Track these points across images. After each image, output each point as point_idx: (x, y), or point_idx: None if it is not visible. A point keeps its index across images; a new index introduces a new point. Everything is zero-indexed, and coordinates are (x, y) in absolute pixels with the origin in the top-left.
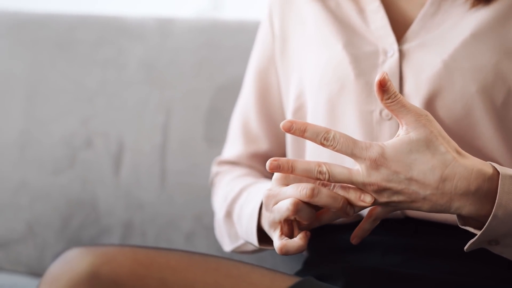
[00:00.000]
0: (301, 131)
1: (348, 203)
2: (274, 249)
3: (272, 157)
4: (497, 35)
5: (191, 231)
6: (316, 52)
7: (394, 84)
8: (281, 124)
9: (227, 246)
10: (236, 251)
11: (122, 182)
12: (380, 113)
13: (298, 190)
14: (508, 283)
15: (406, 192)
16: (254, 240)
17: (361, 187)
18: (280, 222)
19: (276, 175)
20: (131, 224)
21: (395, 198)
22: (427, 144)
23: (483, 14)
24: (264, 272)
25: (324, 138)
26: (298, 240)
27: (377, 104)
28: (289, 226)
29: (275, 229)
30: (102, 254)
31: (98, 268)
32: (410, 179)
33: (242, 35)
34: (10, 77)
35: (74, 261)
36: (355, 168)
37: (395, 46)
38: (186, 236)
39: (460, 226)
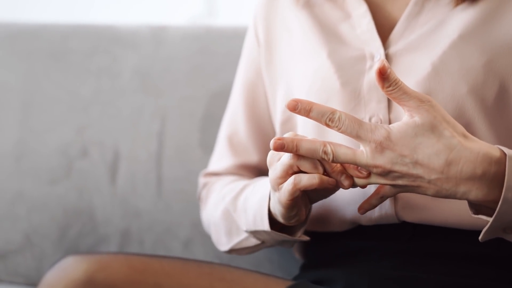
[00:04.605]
0: (306, 111)
1: (346, 175)
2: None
3: (261, 168)
4: (484, 35)
5: (189, 238)
6: (303, 61)
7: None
8: (286, 104)
9: (224, 245)
10: (235, 249)
11: (118, 190)
12: (370, 120)
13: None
14: (509, 284)
15: (411, 176)
16: (264, 223)
17: (366, 169)
18: (283, 176)
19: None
20: (129, 232)
21: (399, 181)
22: (432, 129)
23: (469, 14)
24: (258, 277)
25: (329, 119)
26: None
27: (366, 111)
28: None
29: (279, 189)
30: (97, 261)
31: (93, 274)
32: (415, 163)
33: (235, 42)
34: (5, 88)
35: (69, 269)
36: (360, 150)
37: (381, 50)
38: (183, 243)
39: (472, 215)
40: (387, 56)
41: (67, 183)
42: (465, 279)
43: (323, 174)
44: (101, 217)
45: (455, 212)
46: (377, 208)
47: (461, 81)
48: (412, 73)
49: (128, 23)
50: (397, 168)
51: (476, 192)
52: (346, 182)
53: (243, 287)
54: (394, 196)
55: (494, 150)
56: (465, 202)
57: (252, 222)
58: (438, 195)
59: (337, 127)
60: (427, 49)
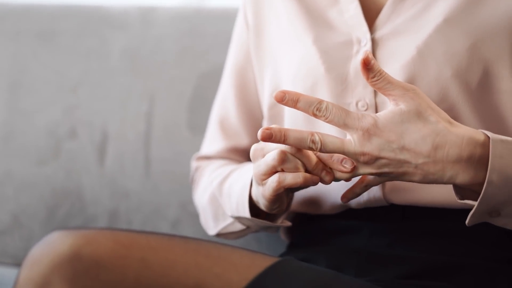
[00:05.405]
0: (293, 101)
1: (326, 171)
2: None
3: None
4: (469, 18)
5: (177, 219)
6: (290, 47)
7: None
8: (274, 95)
9: (212, 229)
10: (222, 233)
11: (106, 171)
12: (356, 104)
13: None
14: (501, 263)
15: (398, 162)
16: (245, 211)
17: (353, 158)
18: (267, 174)
19: None
20: (117, 213)
21: (386, 169)
22: (418, 115)
23: None
24: (244, 253)
25: (316, 109)
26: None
27: (353, 96)
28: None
29: (263, 184)
30: (83, 236)
31: (79, 249)
32: (402, 148)
33: (224, 22)
34: None
35: (55, 243)
36: (347, 139)
37: (368, 35)
38: (171, 224)
39: (458, 200)
40: (373, 41)
41: (55, 163)
42: (456, 258)
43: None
44: (89, 198)
45: (443, 192)
46: (365, 192)
47: (445, 65)
48: (397, 57)
49: (117, 3)
50: (384, 154)
51: (462, 176)
52: (327, 178)
53: (229, 263)
54: None
55: (478, 134)
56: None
57: (235, 209)
58: (425, 180)
59: (324, 116)
60: (413, 32)
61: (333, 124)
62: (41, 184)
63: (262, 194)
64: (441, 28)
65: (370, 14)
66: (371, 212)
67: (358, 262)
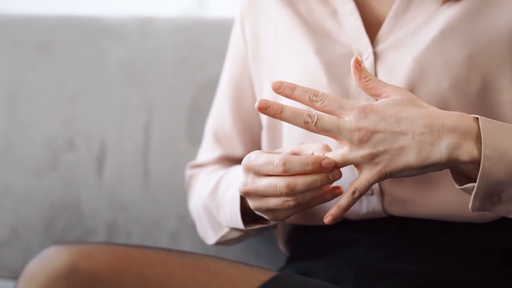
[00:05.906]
0: (290, 89)
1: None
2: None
3: None
4: (467, 30)
5: (176, 231)
6: (289, 58)
7: None
8: (271, 83)
9: (211, 238)
10: (222, 242)
11: (105, 183)
12: None
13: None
14: (497, 275)
15: (394, 134)
16: (239, 223)
17: (348, 137)
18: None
19: (243, 164)
20: (116, 224)
21: (381, 147)
22: (411, 101)
23: (453, 10)
24: (242, 267)
25: (313, 94)
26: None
27: None
28: None
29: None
30: (80, 250)
31: (75, 263)
32: (399, 120)
33: (222, 33)
34: None
35: (51, 258)
36: (343, 118)
37: (369, 48)
38: (170, 236)
39: (458, 187)
40: (375, 54)
41: (54, 175)
42: (454, 271)
43: None
44: (88, 210)
45: (441, 205)
46: (364, 205)
47: (443, 76)
48: (397, 70)
49: (115, 14)
50: (380, 127)
51: (460, 145)
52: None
53: (227, 277)
54: (381, 193)
55: (467, 114)
56: (451, 194)
57: (229, 221)
58: (421, 156)
59: (321, 100)
60: (412, 45)
61: (329, 111)
62: (39, 196)
63: (254, 209)
64: (438, 39)
65: (370, 26)
66: (369, 223)
67: (357, 275)
